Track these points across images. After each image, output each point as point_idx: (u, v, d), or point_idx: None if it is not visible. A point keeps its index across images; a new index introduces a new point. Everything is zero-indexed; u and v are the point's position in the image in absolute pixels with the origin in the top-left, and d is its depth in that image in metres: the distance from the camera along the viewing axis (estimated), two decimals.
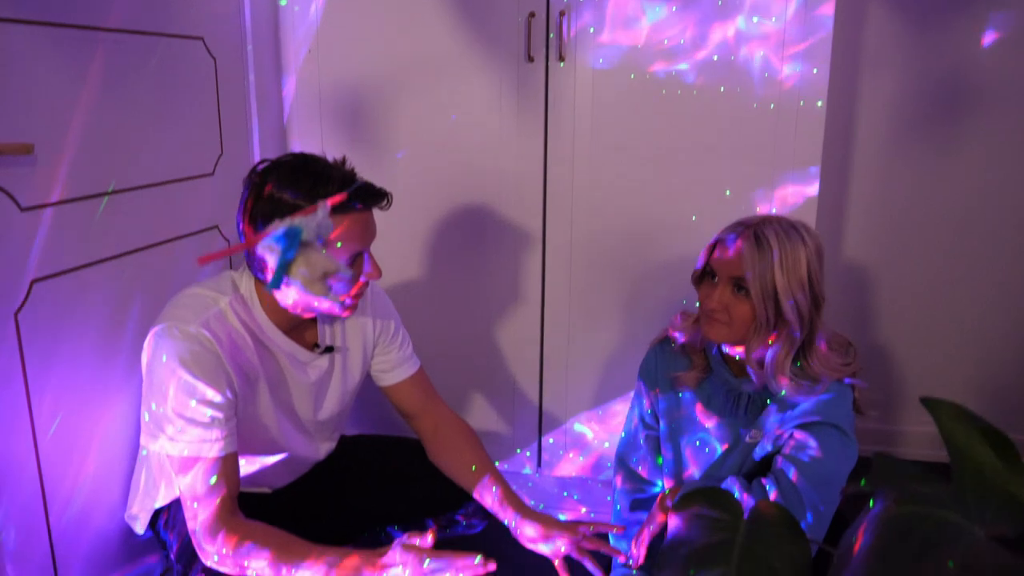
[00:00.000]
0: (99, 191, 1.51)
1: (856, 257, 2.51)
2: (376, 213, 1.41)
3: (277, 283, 1.28)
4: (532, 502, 2.36)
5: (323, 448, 1.68)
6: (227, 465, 1.36)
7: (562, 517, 2.34)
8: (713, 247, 1.49)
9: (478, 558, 1.27)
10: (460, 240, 2.16)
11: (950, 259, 2.47)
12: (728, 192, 1.98)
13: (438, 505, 1.69)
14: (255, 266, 1.37)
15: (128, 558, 1.70)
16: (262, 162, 1.36)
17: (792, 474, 1.42)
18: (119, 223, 1.57)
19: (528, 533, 1.52)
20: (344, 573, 1.29)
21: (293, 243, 1.24)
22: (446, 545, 1.45)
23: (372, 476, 1.72)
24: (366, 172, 1.42)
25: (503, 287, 2.17)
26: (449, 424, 1.70)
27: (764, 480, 1.45)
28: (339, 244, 1.33)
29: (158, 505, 1.57)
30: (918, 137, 2.38)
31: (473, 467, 1.61)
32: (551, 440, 2.26)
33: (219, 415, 1.34)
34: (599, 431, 2.22)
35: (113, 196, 1.54)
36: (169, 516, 1.54)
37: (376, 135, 2.11)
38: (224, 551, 1.32)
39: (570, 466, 2.27)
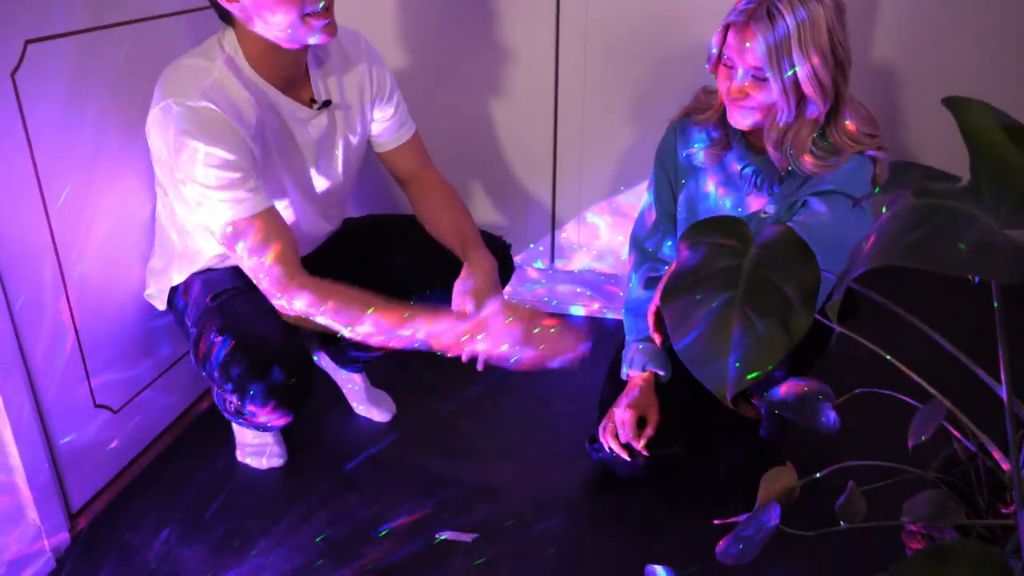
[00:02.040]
0: None
1: (884, 57, 2.40)
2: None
3: None
4: (545, 299, 2.39)
5: (332, 219, 1.70)
6: (271, 220, 1.40)
7: (580, 311, 2.37)
8: (725, 31, 1.42)
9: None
10: (468, 20, 2.07)
11: (983, 58, 2.36)
12: None
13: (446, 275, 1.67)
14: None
15: (152, 335, 1.74)
16: None
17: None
18: None
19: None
20: (427, 330, 1.38)
21: None
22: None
23: (387, 247, 1.73)
24: None
25: (514, 76, 2.10)
26: (436, 188, 1.72)
27: None
28: None
29: (174, 283, 1.59)
30: None
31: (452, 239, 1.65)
32: (564, 234, 2.25)
33: (238, 174, 1.35)
34: (613, 223, 2.21)
35: None
36: (184, 287, 1.57)
37: None
38: (305, 307, 1.40)
39: (584, 258, 2.28)
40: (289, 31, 1.36)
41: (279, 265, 1.39)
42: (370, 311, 1.38)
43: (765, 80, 1.37)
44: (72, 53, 1.43)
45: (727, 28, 1.40)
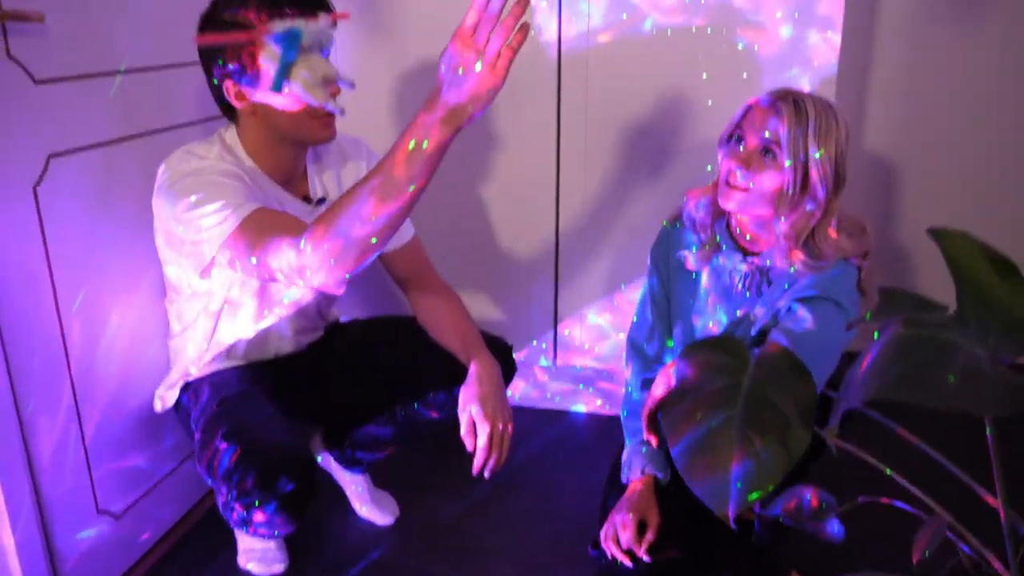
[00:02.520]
0: (113, 68, 1.51)
1: (878, 149, 2.48)
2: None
3: (279, 85, 1.32)
4: (548, 395, 2.40)
5: (330, 312, 1.73)
6: (264, 216, 1.33)
7: (581, 409, 2.38)
8: (747, 110, 1.49)
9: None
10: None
11: (981, 148, 2.43)
12: (745, 75, 1.95)
13: (449, 377, 1.66)
14: (219, 91, 1.43)
15: (159, 440, 1.75)
16: None
17: (784, 343, 1.43)
18: (138, 102, 1.58)
19: None
20: (410, 142, 1.15)
21: (293, 45, 1.26)
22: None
23: (391, 349, 1.73)
24: None
25: (514, 170, 2.16)
26: (436, 291, 1.73)
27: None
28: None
29: (185, 382, 1.61)
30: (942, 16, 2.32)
31: (454, 343, 1.65)
32: (567, 332, 2.28)
33: (228, 191, 1.35)
34: (615, 320, 2.23)
35: (130, 75, 1.54)
36: (194, 391, 1.58)
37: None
38: (323, 247, 1.20)
39: (587, 357, 2.29)
40: (293, 130, 1.45)
41: (285, 241, 1.25)
42: (369, 183, 1.17)
43: (774, 158, 1.43)
44: (93, 166, 1.49)
45: (749, 108, 1.48)
